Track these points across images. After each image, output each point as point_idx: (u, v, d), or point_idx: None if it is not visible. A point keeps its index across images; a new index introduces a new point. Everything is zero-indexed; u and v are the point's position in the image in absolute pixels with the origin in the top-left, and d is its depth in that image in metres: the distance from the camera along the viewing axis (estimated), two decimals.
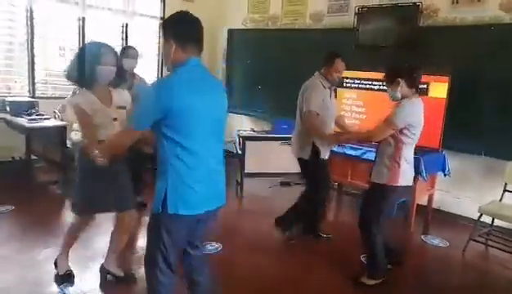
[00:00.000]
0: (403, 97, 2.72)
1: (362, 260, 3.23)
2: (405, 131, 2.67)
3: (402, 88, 2.70)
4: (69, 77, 2.41)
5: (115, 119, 2.41)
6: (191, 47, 1.79)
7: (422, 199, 4.20)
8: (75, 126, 4.51)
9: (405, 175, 2.74)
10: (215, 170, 1.90)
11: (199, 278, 2.09)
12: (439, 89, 3.99)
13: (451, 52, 4.15)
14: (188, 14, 1.84)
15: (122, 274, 2.71)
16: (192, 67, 1.78)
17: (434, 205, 4.39)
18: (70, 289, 2.58)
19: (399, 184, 2.73)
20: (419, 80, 2.78)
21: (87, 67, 2.32)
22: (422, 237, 3.93)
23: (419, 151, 3.88)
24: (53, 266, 2.76)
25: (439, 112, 3.97)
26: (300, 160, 3.48)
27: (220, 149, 1.95)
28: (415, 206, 3.94)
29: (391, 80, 2.74)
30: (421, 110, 2.74)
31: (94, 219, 2.70)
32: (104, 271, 2.72)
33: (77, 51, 2.41)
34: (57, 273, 2.69)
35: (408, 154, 2.75)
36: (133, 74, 4.05)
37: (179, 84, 1.72)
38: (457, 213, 4.38)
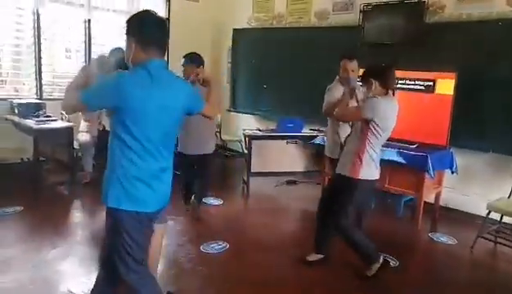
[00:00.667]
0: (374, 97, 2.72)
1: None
2: (371, 126, 2.69)
3: (376, 88, 2.71)
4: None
5: None
6: (153, 50, 1.76)
7: (429, 197, 4.18)
8: (82, 126, 4.57)
9: (367, 171, 2.76)
10: (161, 170, 1.84)
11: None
12: (446, 86, 3.96)
13: (457, 49, 4.12)
14: (154, 15, 1.80)
15: None
16: (151, 68, 1.74)
17: (442, 202, 4.35)
18: (78, 289, 2.60)
19: (360, 178, 2.75)
20: (392, 80, 2.76)
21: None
22: (430, 234, 3.91)
23: (426, 148, 3.88)
24: (61, 266, 2.78)
25: (446, 109, 3.94)
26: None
27: (169, 150, 1.89)
28: (422, 203, 3.92)
29: (364, 81, 2.77)
30: (393, 110, 2.73)
31: None
32: None
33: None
34: None
35: (372, 151, 2.75)
36: None
37: (132, 83, 1.70)
38: (465, 210, 4.34)
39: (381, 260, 2.93)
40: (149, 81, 1.72)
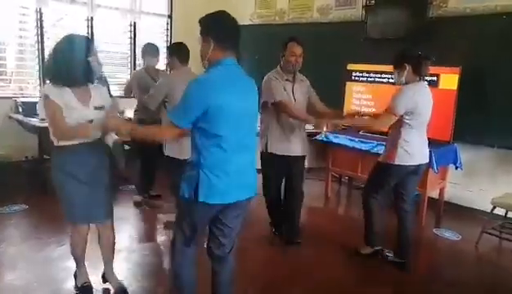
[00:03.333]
0: (407, 83, 2.79)
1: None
2: (407, 114, 2.76)
3: (408, 74, 2.77)
4: (46, 73, 2.23)
5: (91, 121, 2.18)
6: (230, 49, 1.88)
7: (433, 192, 4.16)
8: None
9: (403, 156, 2.82)
10: (245, 162, 1.94)
11: (219, 268, 2.12)
12: (450, 80, 3.93)
13: (461, 43, 4.09)
14: (229, 16, 1.94)
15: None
16: (228, 66, 1.86)
17: (446, 198, 4.34)
18: None
19: (395, 163, 2.83)
20: (426, 69, 2.82)
21: (66, 61, 2.10)
22: (434, 230, 3.90)
23: (430, 144, 3.85)
24: (67, 263, 2.80)
25: (450, 104, 3.92)
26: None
27: (252, 143, 2.00)
28: (426, 199, 3.91)
29: (398, 64, 2.81)
30: (425, 94, 2.81)
31: (88, 228, 2.47)
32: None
33: (55, 44, 2.18)
34: (75, 284, 2.57)
35: (410, 136, 2.81)
36: (157, 70, 4.17)
37: (216, 82, 1.80)
38: (469, 206, 4.33)
39: (376, 248, 3.11)
40: (228, 76, 1.84)
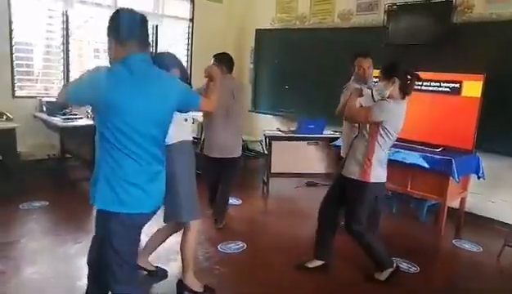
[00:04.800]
0: (389, 97, 2.63)
1: None
2: (381, 129, 2.63)
3: (394, 89, 2.61)
4: None
5: None
6: (131, 44, 1.70)
7: (454, 202, 4.06)
8: None
9: (376, 173, 2.70)
10: (147, 170, 1.77)
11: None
12: (473, 88, 3.83)
13: (486, 50, 3.99)
14: (130, 10, 1.77)
15: (154, 268, 2.76)
16: (129, 63, 1.68)
17: (467, 208, 4.22)
18: None
19: (371, 181, 2.69)
20: (412, 89, 2.66)
21: None
22: (454, 241, 3.79)
23: (451, 152, 3.77)
24: (83, 261, 2.85)
25: (473, 112, 3.82)
26: None
27: (155, 150, 1.79)
28: (445, 209, 3.81)
29: (387, 75, 2.62)
30: (403, 115, 2.68)
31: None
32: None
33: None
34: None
35: (381, 154, 2.70)
36: None
37: (108, 79, 1.65)
38: (491, 217, 4.20)
39: (394, 266, 2.90)
40: (127, 76, 1.66)
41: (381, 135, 2.65)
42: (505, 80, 3.82)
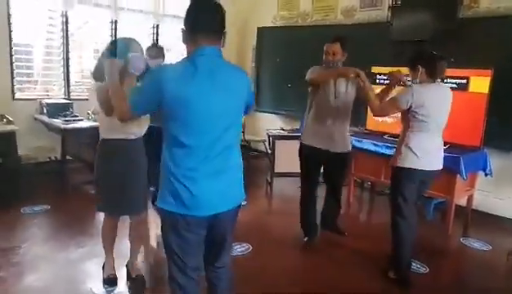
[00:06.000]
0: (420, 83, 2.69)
1: None
2: (410, 115, 2.66)
3: (421, 75, 2.67)
4: (95, 76, 2.31)
5: None
6: (202, 36, 1.59)
7: (461, 200, 3.99)
8: None
9: (412, 159, 2.69)
10: (218, 169, 1.66)
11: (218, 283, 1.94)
12: (481, 84, 3.76)
13: (493, 44, 3.92)
14: (203, 1, 1.65)
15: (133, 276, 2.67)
16: (198, 57, 1.58)
17: (474, 206, 4.16)
18: (100, 290, 2.60)
19: (405, 166, 2.70)
20: (442, 71, 2.70)
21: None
22: (461, 239, 3.73)
23: (459, 149, 3.70)
24: (86, 265, 2.81)
25: (480, 108, 3.75)
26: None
27: (226, 148, 1.68)
28: (453, 206, 3.74)
29: (412, 65, 2.73)
30: (439, 96, 2.69)
31: (118, 219, 2.64)
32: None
33: (103, 48, 2.30)
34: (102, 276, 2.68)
35: (417, 140, 2.68)
36: None
37: (172, 74, 1.57)
38: (499, 215, 4.14)
39: (401, 277, 2.84)
40: (192, 70, 1.56)
41: (413, 120, 2.66)
42: None
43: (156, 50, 3.73)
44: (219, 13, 1.62)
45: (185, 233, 1.68)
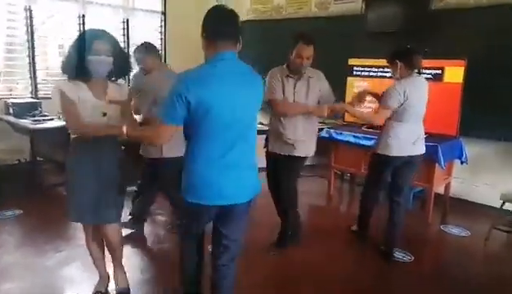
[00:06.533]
0: (401, 77, 2.88)
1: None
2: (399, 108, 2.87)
3: (401, 69, 2.86)
4: (63, 69, 2.14)
5: (105, 114, 2.13)
6: (222, 42, 1.73)
7: (439, 188, 4.09)
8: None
9: (390, 146, 2.92)
10: (237, 165, 1.79)
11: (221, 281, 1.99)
12: (455, 74, 3.86)
13: (466, 35, 4.01)
14: (221, 8, 1.83)
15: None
16: (218, 61, 1.72)
17: (451, 193, 4.27)
18: None
19: (386, 154, 2.94)
20: (419, 62, 2.88)
21: (81, 57, 2.06)
22: (441, 227, 3.82)
23: (436, 139, 3.77)
24: (64, 271, 2.67)
25: (455, 97, 3.84)
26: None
27: (244, 148, 1.81)
28: (432, 195, 3.82)
29: (390, 61, 2.93)
30: (418, 87, 2.89)
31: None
32: None
33: (73, 41, 2.14)
34: None
35: (398, 128, 2.90)
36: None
37: (195, 79, 1.67)
38: (475, 201, 4.27)
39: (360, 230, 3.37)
40: (214, 74, 1.69)
41: (395, 111, 2.87)
42: (486, 65, 3.85)
43: (144, 49, 3.36)
44: (236, 21, 1.80)
45: (205, 219, 1.91)
